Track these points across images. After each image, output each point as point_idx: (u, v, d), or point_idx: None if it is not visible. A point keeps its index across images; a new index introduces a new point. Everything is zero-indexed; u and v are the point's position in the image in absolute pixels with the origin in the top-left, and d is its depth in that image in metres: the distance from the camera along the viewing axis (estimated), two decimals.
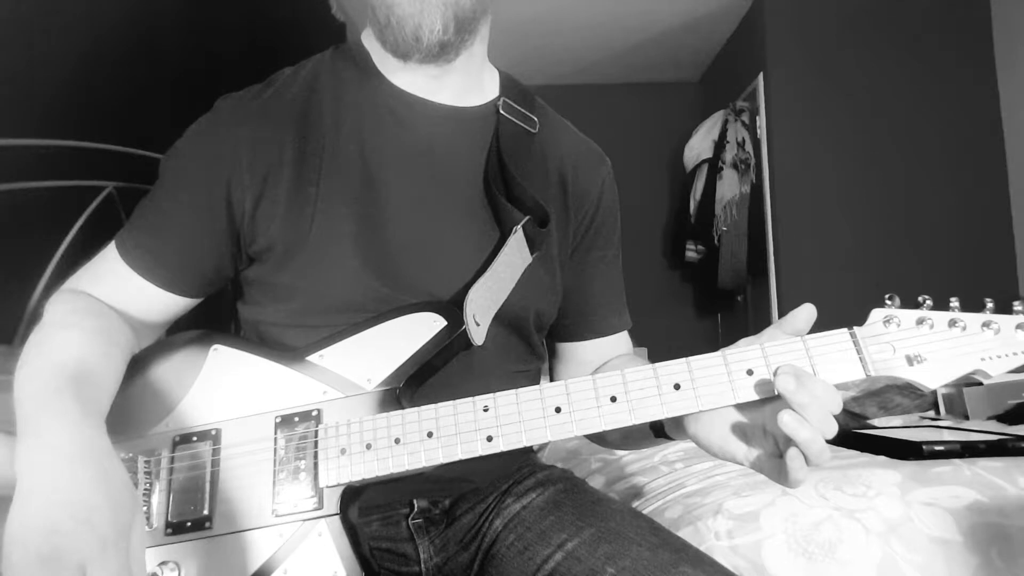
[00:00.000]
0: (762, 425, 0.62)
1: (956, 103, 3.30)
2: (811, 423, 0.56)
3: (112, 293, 0.77)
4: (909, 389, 1.92)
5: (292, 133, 0.78)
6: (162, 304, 0.79)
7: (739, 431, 0.64)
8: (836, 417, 0.57)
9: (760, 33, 3.48)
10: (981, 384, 1.77)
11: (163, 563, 0.66)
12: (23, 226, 1.51)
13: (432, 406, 0.67)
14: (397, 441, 0.67)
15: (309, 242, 0.75)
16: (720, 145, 3.63)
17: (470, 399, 0.67)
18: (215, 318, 0.88)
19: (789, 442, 0.57)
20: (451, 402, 0.67)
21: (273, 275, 0.77)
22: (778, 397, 0.59)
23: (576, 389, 0.66)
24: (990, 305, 0.63)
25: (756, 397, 0.62)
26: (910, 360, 0.62)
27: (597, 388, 0.65)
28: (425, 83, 0.82)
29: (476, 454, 0.65)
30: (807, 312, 0.63)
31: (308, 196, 0.76)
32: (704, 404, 0.63)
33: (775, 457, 0.61)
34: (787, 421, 0.56)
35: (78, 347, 0.66)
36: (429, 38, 0.75)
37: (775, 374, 0.59)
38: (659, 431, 0.74)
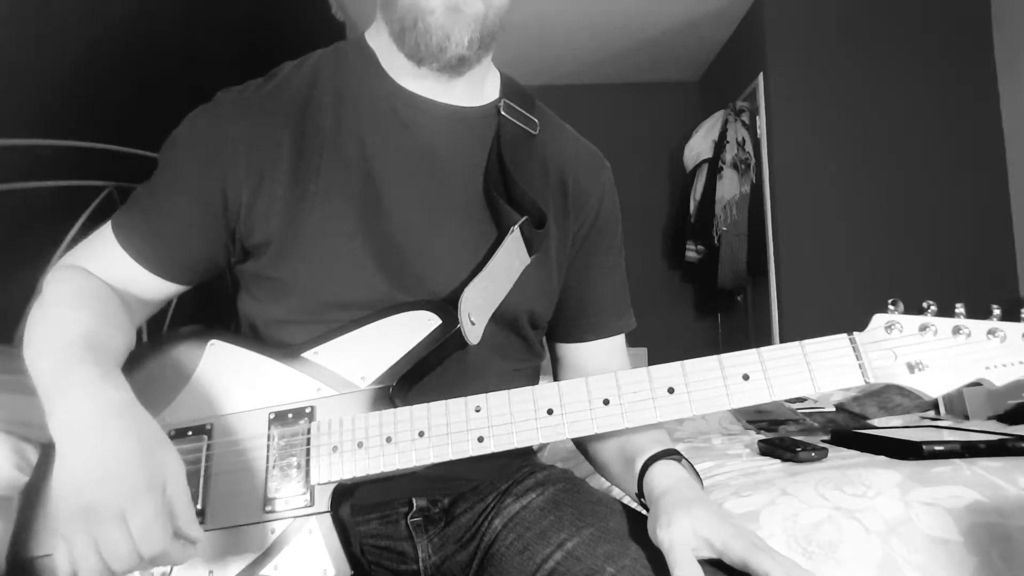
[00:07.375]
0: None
1: (956, 103, 3.30)
2: None
3: (106, 271, 0.78)
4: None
5: (291, 128, 0.77)
6: (153, 287, 0.80)
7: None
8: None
9: (760, 33, 3.48)
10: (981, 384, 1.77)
11: None
12: (23, 226, 1.51)
13: (424, 405, 0.67)
14: (388, 440, 0.66)
15: (306, 238, 0.75)
16: (720, 145, 3.63)
17: (462, 399, 0.66)
18: (216, 314, 0.88)
19: None
20: (443, 402, 0.67)
21: (270, 270, 0.77)
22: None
23: (569, 391, 0.65)
24: (997, 312, 0.61)
25: (751, 403, 0.61)
26: (911, 367, 0.60)
27: (590, 390, 0.65)
28: (431, 85, 0.82)
29: (467, 455, 0.65)
30: None
31: (306, 192, 0.76)
32: (697, 408, 0.62)
33: None
34: None
35: (87, 324, 0.68)
36: (453, 51, 0.75)
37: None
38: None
